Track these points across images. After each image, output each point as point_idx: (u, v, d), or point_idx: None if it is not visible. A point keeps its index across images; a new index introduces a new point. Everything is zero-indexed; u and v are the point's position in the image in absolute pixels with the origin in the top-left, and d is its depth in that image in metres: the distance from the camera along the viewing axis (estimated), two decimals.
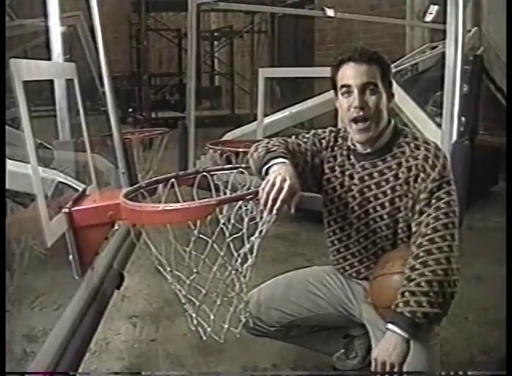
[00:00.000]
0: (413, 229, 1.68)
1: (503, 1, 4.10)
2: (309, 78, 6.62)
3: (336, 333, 2.12)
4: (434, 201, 1.64)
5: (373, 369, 1.61)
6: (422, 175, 1.67)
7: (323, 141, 1.85)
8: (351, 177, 1.80)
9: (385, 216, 1.76)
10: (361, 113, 1.66)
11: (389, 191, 1.73)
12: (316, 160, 1.82)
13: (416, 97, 4.37)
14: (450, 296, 1.58)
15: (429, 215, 1.63)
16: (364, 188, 1.77)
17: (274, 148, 1.65)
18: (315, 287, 1.95)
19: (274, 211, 1.41)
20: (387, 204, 1.74)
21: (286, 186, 1.43)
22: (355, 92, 1.66)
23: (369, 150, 1.76)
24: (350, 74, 1.67)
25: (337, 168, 1.82)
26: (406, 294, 1.56)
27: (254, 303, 1.92)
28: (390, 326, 1.57)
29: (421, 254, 1.59)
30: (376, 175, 1.75)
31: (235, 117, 9.96)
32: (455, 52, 3.04)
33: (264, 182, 1.46)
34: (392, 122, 1.77)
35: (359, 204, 1.79)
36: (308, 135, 1.85)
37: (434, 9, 5.95)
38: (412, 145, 1.72)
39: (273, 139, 1.79)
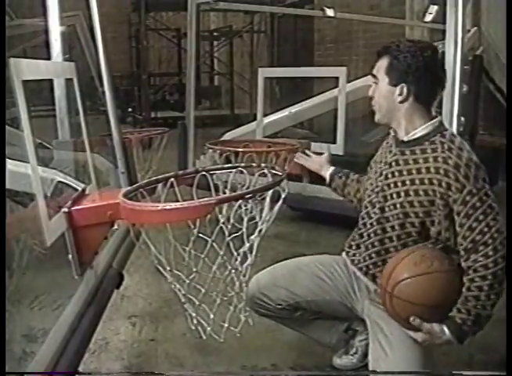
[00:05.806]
0: (469, 245, 1.66)
1: (503, 1, 4.09)
2: (309, 78, 6.62)
3: (338, 324, 2.16)
4: (482, 217, 1.64)
5: None
6: (455, 184, 1.64)
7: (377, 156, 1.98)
8: (385, 162, 1.84)
9: (398, 205, 1.75)
10: None
11: (408, 182, 1.73)
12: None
13: None
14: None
15: (484, 233, 1.64)
16: (389, 174, 1.80)
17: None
18: (323, 272, 2.00)
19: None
20: (402, 193, 1.74)
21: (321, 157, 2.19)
22: None
23: (404, 138, 1.79)
24: None
25: (382, 154, 1.91)
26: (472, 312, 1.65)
27: (264, 280, 1.98)
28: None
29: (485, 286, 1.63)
30: (401, 162, 1.77)
31: (234, 116, 9.97)
32: (454, 52, 3.05)
33: None
34: (438, 118, 1.79)
35: (382, 188, 1.81)
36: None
37: (433, 8, 5.94)
38: (445, 146, 1.70)
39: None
